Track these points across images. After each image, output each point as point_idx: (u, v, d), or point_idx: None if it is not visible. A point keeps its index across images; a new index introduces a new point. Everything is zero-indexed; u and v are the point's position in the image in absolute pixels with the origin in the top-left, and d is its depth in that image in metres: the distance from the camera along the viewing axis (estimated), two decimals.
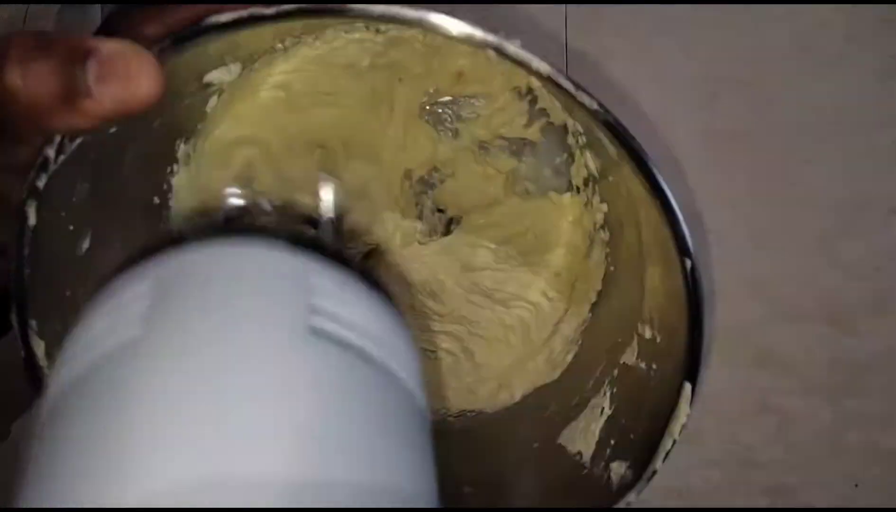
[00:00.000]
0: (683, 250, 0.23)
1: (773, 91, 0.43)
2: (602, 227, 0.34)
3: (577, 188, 0.35)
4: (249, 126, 0.35)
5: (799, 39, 0.43)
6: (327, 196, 0.35)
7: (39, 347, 0.25)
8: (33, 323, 0.25)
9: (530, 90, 0.35)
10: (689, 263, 0.23)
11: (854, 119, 0.42)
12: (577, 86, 0.22)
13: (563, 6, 0.44)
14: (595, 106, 0.22)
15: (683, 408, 0.25)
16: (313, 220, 0.35)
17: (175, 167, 0.33)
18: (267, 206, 0.36)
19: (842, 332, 0.41)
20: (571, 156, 0.35)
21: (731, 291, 0.41)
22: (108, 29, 0.24)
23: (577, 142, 0.34)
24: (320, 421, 0.15)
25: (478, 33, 0.21)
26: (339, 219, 0.36)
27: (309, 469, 0.14)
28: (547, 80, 0.22)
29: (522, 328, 0.36)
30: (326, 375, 0.16)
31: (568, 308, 0.35)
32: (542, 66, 0.21)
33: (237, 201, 0.36)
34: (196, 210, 0.35)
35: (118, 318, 0.17)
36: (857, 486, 0.39)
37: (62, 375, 0.17)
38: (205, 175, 0.36)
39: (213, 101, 0.31)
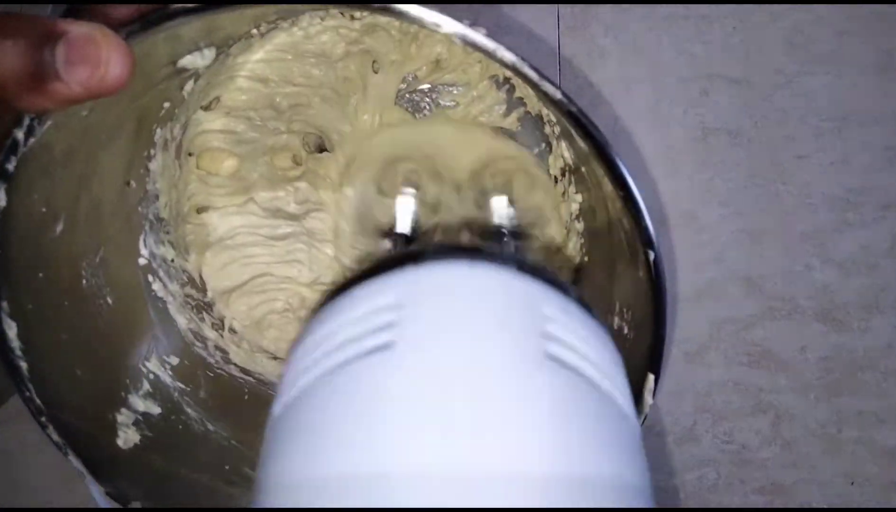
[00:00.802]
0: (646, 242, 0.24)
1: (766, 88, 0.43)
2: (577, 217, 0.34)
3: (555, 178, 0.35)
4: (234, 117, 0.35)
5: (793, 36, 0.43)
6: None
7: (11, 329, 0.26)
8: (5, 305, 0.25)
9: (507, 79, 0.35)
10: (651, 255, 0.23)
11: (848, 115, 0.42)
12: (541, 75, 0.22)
13: (555, 6, 0.44)
14: (559, 96, 0.22)
15: (647, 398, 0.26)
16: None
17: (152, 151, 0.33)
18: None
19: (837, 329, 0.40)
20: (549, 146, 0.35)
21: (725, 289, 0.41)
22: (75, 8, 0.24)
23: (553, 132, 0.34)
24: (563, 434, 0.15)
25: (446, 21, 0.21)
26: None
27: (552, 466, 0.15)
28: (511, 68, 0.22)
29: None
30: (565, 398, 0.16)
31: None
32: (507, 55, 0.22)
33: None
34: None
35: (368, 325, 0.17)
36: (852, 483, 0.39)
37: (308, 375, 0.17)
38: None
39: (189, 85, 0.31)
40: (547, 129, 0.35)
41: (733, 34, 0.43)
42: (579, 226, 0.34)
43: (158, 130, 0.32)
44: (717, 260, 0.42)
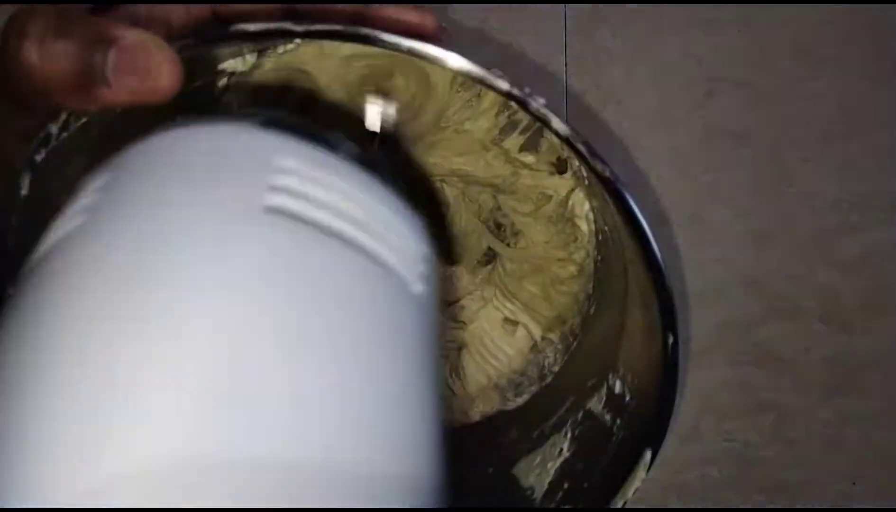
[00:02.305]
0: (668, 326, 0.23)
1: (771, 90, 0.43)
2: (595, 259, 0.34)
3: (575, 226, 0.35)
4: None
5: (798, 39, 0.44)
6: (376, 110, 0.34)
7: None
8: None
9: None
10: (671, 339, 0.23)
11: (853, 118, 0.42)
12: (593, 152, 0.22)
13: (562, 6, 0.45)
14: (607, 174, 0.22)
15: (640, 473, 0.25)
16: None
17: None
18: None
19: (840, 330, 0.41)
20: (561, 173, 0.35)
21: (729, 289, 0.41)
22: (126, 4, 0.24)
23: (576, 173, 0.34)
24: (283, 311, 0.13)
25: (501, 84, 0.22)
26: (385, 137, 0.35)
27: (254, 368, 0.12)
28: (565, 140, 0.22)
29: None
30: (283, 252, 0.14)
31: (543, 336, 0.35)
32: (561, 127, 0.22)
33: None
34: None
35: (69, 212, 0.16)
36: (854, 484, 0.39)
37: (21, 272, 0.16)
38: None
39: (223, 81, 0.32)
40: (567, 173, 0.34)
41: (739, 37, 0.44)
42: (590, 268, 0.34)
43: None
44: (721, 261, 0.42)
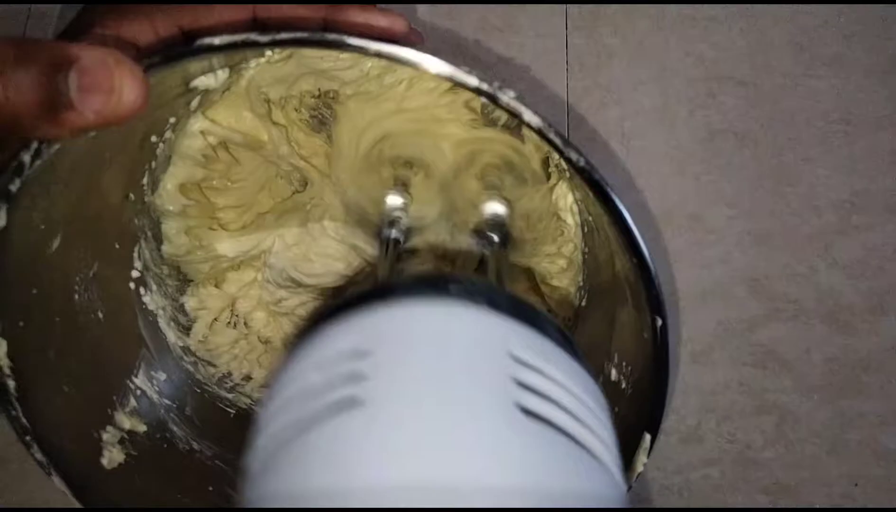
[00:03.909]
0: (655, 308, 0.23)
1: (772, 90, 0.43)
2: (582, 253, 0.34)
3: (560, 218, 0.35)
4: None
5: (799, 38, 0.43)
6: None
7: (1, 346, 0.25)
8: None
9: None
10: (659, 322, 0.23)
11: (854, 118, 0.42)
12: (566, 142, 0.22)
13: (563, 6, 0.44)
14: (582, 163, 0.22)
15: (641, 458, 0.26)
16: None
17: (153, 163, 0.33)
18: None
19: (841, 331, 0.41)
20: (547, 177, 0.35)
21: (730, 289, 0.41)
22: (87, 24, 0.24)
23: (557, 170, 0.34)
24: (537, 498, 0.15)
25: (446, 68, 0.21)
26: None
27: None
28: (537, 132, 0.22)
29: None
30: (538, 459, 0.16)
31: None
32: (534, 119, 0.22)
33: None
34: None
35: (334, 373, 0.17)
36: (856, 485, 0.39)
37: (278, 422, 0.17)
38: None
39: (196, 101, 0.31)
40: (550, 168, 0.34)
41: (741, 36, 0.44)
42: (579, 260, 0.34)
43: (161, 145, 0.32)
44: (722, 261, 0.42)
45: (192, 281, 0.37)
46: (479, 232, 0.35)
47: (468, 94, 0.29)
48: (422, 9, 0.44)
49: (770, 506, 0.40)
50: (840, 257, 0.41)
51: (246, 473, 0.17)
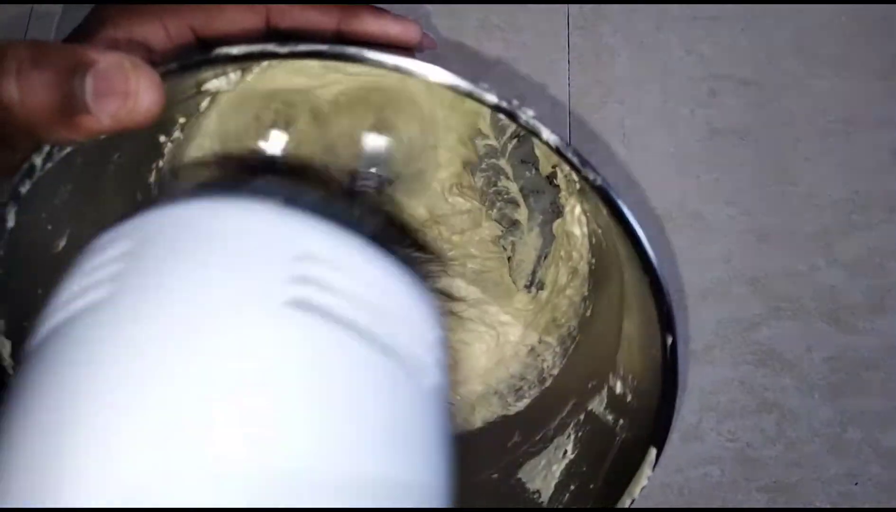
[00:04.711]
0: (666, 327, 0.23)
1: (774, 89, 0.43)
2: (589, 260, 0.34)
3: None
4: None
5: (800, 38, 0.44)
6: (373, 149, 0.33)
7: (5, 347, 0.25)
8: (1, 323, 0.25)
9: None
10: (669, 339, 0.23)
11: (855, 117, 0.42)
12: (584, 160, 0.22)
13: (564, 5, 0.44)
14: (599, 182, 0.22)
15: (646, 471, 0.25)
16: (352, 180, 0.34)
17: (161, 163, 0.33)
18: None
19: (842, 329, 0.41)
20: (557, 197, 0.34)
21: (731, 288, 0.41)
22: (96, 25, 0.24)
23: (565, 185, 0.34)
24: (292, 410, 0.14)
25: (461, 84, 0.21)
26: (382, 181, 0.34)
27: (281, 461, 0.13)
28: (556, 151, 0.22)
29: (489, 350, 0.36)
30: (306, 355, 0.14)
31: (541, 339, 0.35)
32: (552, 138, 0.22)
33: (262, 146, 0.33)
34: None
35: (90, 279, 0.16)
36: (856, 483, 0.39)
37: (30, 341, 0.16)
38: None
39: (206, 102, 0.31)
40: (558, 178, 0.34)
41: (742, 35, 0.44)
42: (585, 271, 0.34)
43: (169, 144, 0.32)
44: (723, 259, 0.42)
45: None
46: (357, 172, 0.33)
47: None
48: (424, 8, 0.44)
49: (770, 505, 0.40)
50: (841, 256, 0.41)
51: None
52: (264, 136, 0.34)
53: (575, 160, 0.22)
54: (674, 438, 0.41)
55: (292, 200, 0.17)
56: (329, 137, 0.34)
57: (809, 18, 0.44)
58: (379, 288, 0.16)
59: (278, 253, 0.16)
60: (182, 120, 0.31)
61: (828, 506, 0.39)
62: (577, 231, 0.34)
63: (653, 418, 0.25)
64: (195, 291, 0.15)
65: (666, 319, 0.23)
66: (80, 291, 0.16)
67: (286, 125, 0.34)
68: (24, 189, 0.22)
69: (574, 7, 0.44)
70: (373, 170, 0.33)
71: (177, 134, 0.32)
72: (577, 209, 0.33)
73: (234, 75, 0.29)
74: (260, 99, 0.33)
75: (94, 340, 0.14)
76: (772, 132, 0.43)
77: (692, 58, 0.44)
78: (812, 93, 0.43)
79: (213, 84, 0.28)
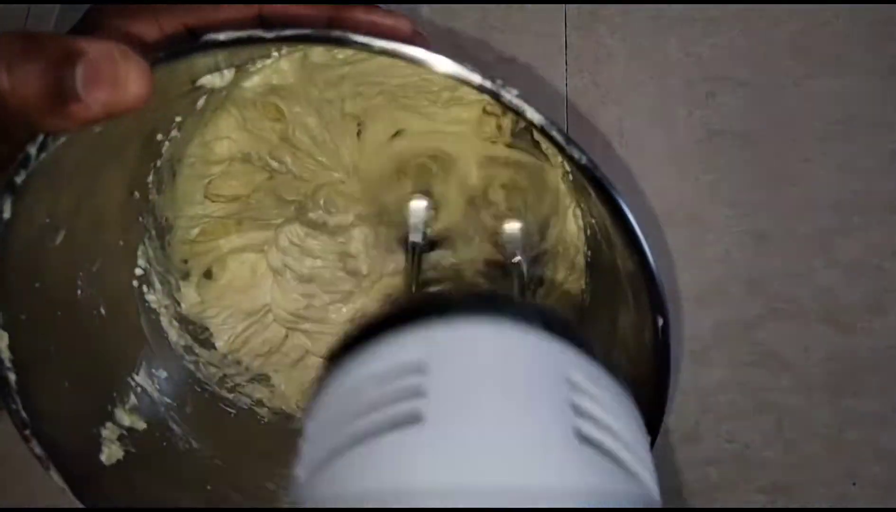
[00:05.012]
0: (657, 307, 0.23)
1: (772, 90, 0.43)
2: (585, 254, 0.34)
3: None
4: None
5: (798, 38, 0.43)
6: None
7: (3, 340, 0.25)
8: None
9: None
10: (660, 321, 0.23)
11: (854, 119, 0.42)
12: (568, 139, 0.22)
13: (562, 6, 0.44)
14: (584, 160, 0.22)
15: None
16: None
17: (159, 162, 0.33)
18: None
19: (840, 330, 0.41)
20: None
21: (729, 289, 0.41)
22: (93, 23, 0.24)
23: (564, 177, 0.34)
24: None
25: (461, 70, 0.22)
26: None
27: None
28: (539, 130, 0.22)
29: None
30: (596, 488, 0.16)
31: None
32: (535, 116, 0.22)
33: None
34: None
35: (394, 388, 0.17)
36: (854, 484, 0.39)
37: (332, 433, 0.17)
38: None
39: (202, 100, 0.31)
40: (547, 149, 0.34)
41: (740, 37, 0.44)
42: (582, 263, 0.34)
43: (167, 143, 0.32)
44: (721, 261, 0.42)
45: (195, 278, 0.37)
46: (499, 246, 0.35)
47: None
48: (421, 8, 0.44)
49: (769, 505, 0.40)
50: (839, 257, 0.41)
51: (296, 481, 0.17)
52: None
53: (560, 138, 0.22)
54: (672, 439, 0.40)
55: (551, 323, 0.19)
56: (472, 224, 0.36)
57: (807, 18, 0.44)
58: (617, 415, 0.18)
59: (555, 381, 0.17)
60: (179, 118, 0.31)
61: (826, 506, 0.39)
62: (572, 224, 0.34)
63: (647, 406, 0.25)
64: (500, 416, 0.16)
65: (657, 300, 0.23)
66: (381, 400, 0.17)
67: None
68: (19, 179, 0.22)
69: (572, 8, 0.44)
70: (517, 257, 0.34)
71: (174, 133, 0.32)
72: (572, 202, 0.34)
73: (227, 73, 0.29)
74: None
75: (419, 455, 0.16)
76: (770, 133, 0.43)
77: (690, 59, 0.43)
78: (810, 94, 0.43)
79: (206, 80, 0.28)
